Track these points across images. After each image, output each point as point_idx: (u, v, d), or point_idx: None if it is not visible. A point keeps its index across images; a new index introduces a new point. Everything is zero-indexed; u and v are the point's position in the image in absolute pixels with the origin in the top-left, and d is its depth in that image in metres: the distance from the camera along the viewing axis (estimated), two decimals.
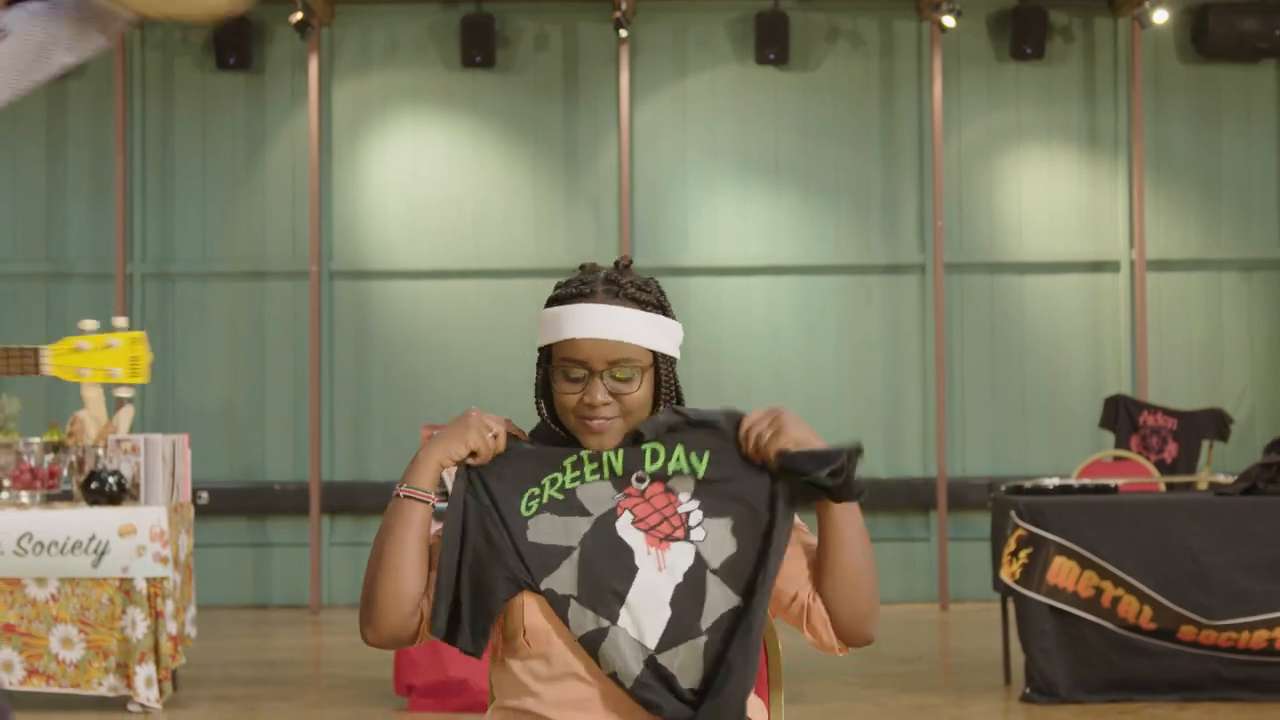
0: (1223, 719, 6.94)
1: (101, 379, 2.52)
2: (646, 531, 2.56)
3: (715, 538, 2.57)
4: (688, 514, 2.57)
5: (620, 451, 2.61)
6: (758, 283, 11.89)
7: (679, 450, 2.62)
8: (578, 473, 2.59)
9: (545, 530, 2.57)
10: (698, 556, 2.55)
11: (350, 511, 11.76)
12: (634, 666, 2.51)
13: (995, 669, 8.07)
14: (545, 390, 2.72)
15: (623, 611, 2.51)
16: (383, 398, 11.93)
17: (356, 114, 12.09)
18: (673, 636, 2.51)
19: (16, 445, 7.70)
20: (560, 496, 2.59)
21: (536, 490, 2.60)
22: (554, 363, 2.65)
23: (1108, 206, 11.99)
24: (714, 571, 2.54)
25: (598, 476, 2.59)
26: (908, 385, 11.88)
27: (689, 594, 2.52)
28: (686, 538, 2.55)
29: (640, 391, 2.63)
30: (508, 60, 12.03)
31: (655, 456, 2.62)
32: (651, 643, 2.51)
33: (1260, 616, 7.19)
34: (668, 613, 2.51)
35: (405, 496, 2.67)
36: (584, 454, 2.61)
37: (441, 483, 2.76)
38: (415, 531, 2.66)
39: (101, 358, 2.55)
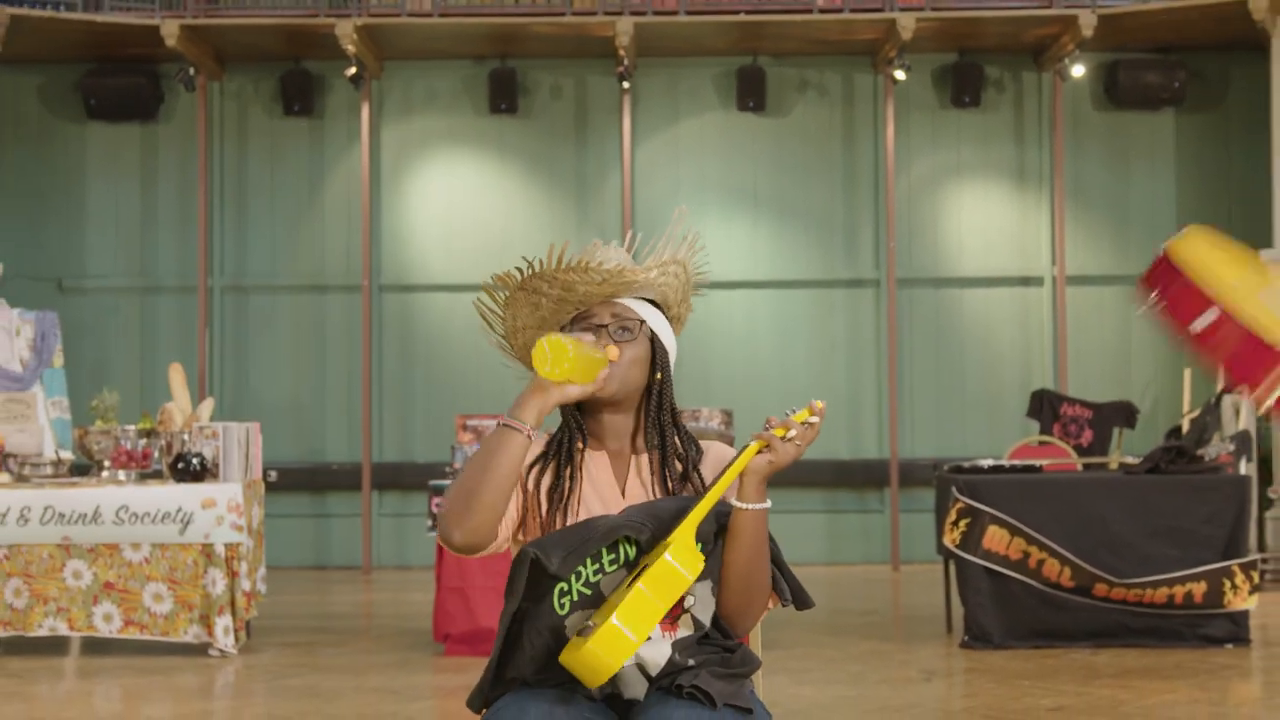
0: (1129, 662, 6.95)
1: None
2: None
3: (703, 602, 2.51)
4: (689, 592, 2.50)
5: (635, 543, 2.50)
6: (739, 295, 11.89)
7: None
8: (597, 565, 2.47)
9: (575, 624, 2.46)
10: (694, 622, 2.50)
11: (396, 487, 11.75)
12: (639, 691, 2.47)
13: (939, 620, 8.08)
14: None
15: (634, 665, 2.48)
16: (424, 391, 11.93)
17: (401, 152, 12.09)
18: (670, 670, 2.46)
19: (115, 432, 7.70)
20: (588, 592, 2.46)
21: (566, 587, 2.46)
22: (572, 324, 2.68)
23: (1034, 231, 11.99)
24: (704, 629, 2.50)
25: (615, 565, 2.48)
26: (866, 381, 11.88)
27: (685, 643, 2.48)
28: (682, 608, 2.50)
29: (637, 361, 2.64)
30: (528, 107, 12.03)
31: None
32: (654, 673, 2.46)
33: (1161, 576, 7.20)
34: (668, 656, 2.47)
35: (506, 425, 2.53)
36: (603, 547, 2.48)
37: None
38: (512, 456, 2.51)
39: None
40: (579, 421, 2.68)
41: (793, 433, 2.46)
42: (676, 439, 2.68)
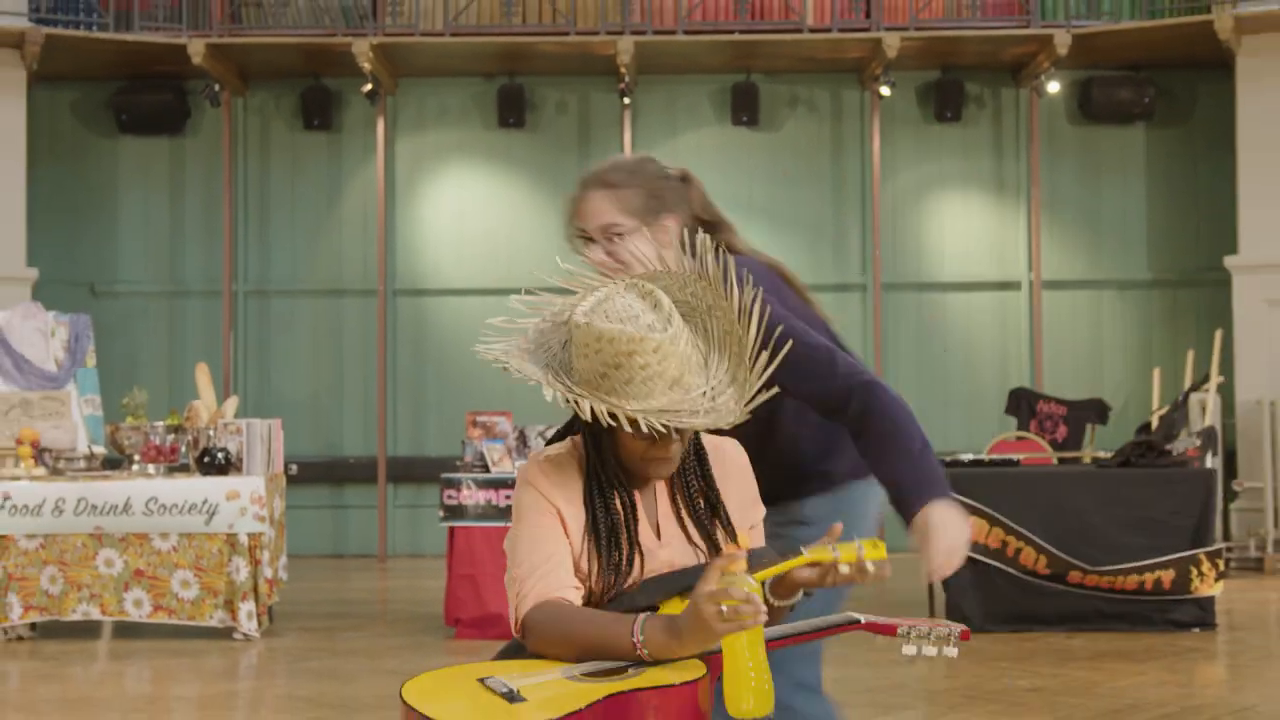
0: (1102, 645, 6.95)
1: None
2: None
3: None
4: None
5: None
6: None
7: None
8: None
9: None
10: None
11: (410, 480, 11.75)
12: None
13: (922, 605, 8.08)
14: (595, 432, 2.35)
15: None
16: (435, 390, 11.93)
17: (414, 164, 12.09)
18: None
19: (145, 428, 7.71)
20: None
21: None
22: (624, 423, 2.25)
23: (1011, 238, 12.00)
24: None
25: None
26: None
27: None
28: None
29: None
30: (534, 121, 12.03)
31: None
32: None
33: (1132, 564, 7.21)
34: None
35: (633, 639, 2.18)
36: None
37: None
38: (611, 654, 2.21)
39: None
40: (618, 473, 2.36)
41: (845, 570, 2.23)
42: (700, 478, 2.42)
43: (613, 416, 2.20)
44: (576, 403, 2.25)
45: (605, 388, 2.25)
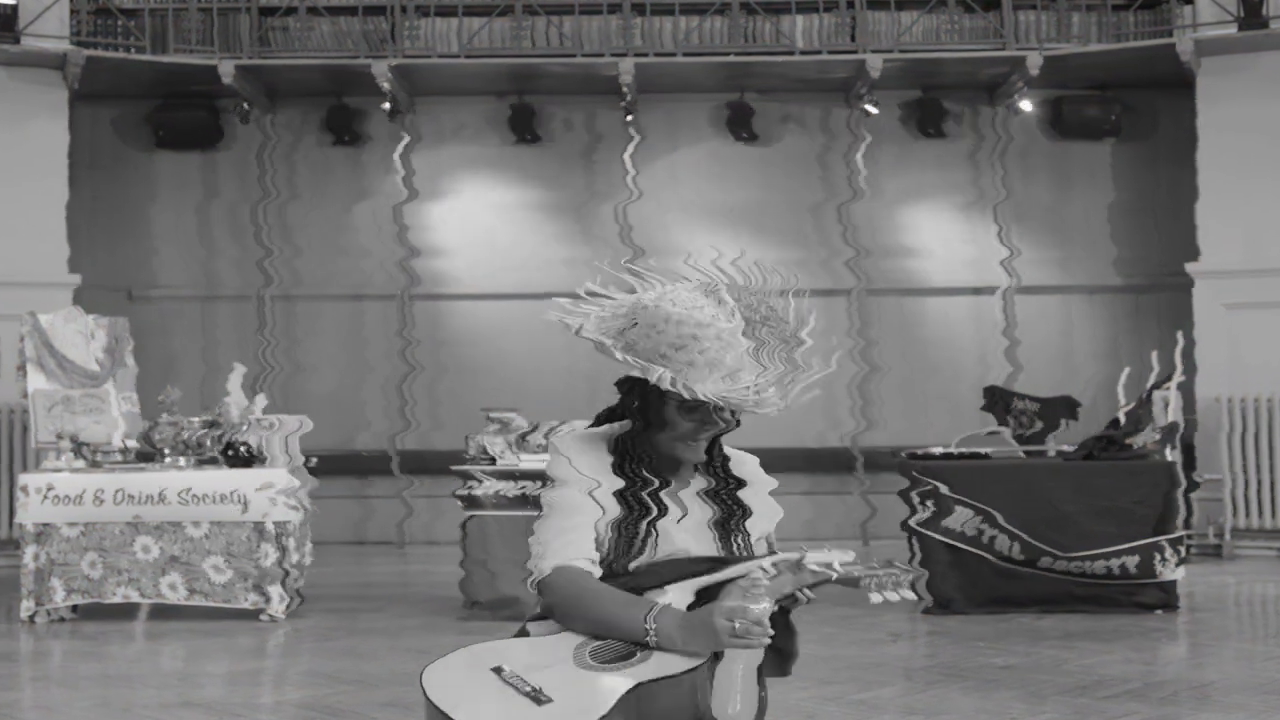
0: (1072, 625, 6.95)
1: None
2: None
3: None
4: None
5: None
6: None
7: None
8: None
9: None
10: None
11: (427, 472, 11.72)
12: None
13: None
14: (644, 409, 2.37)
15: None
16: (451, 388, 11.92)
17: (432, 177, 12.09)
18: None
19: (180, 423, 7.71)
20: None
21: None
22: (676, 403, 2.32)
23: (987, 246, 11.98)
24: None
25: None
26: (839, 379, 11.86)
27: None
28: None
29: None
30: (544, 137, 12.02)
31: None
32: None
33: (1100, 550, 7.21)
34: None
35: (645, 625, 2.22)
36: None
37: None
38: (621, 633, 2.25)
39: None
40: (652, 455, 2.40)
41: (769, 572, 2.25)
42: (727, 475, 2.47)
43: (675, 386, 2.23)
44: (646, 369, 2.26)
45: (670, 366, 2.27)
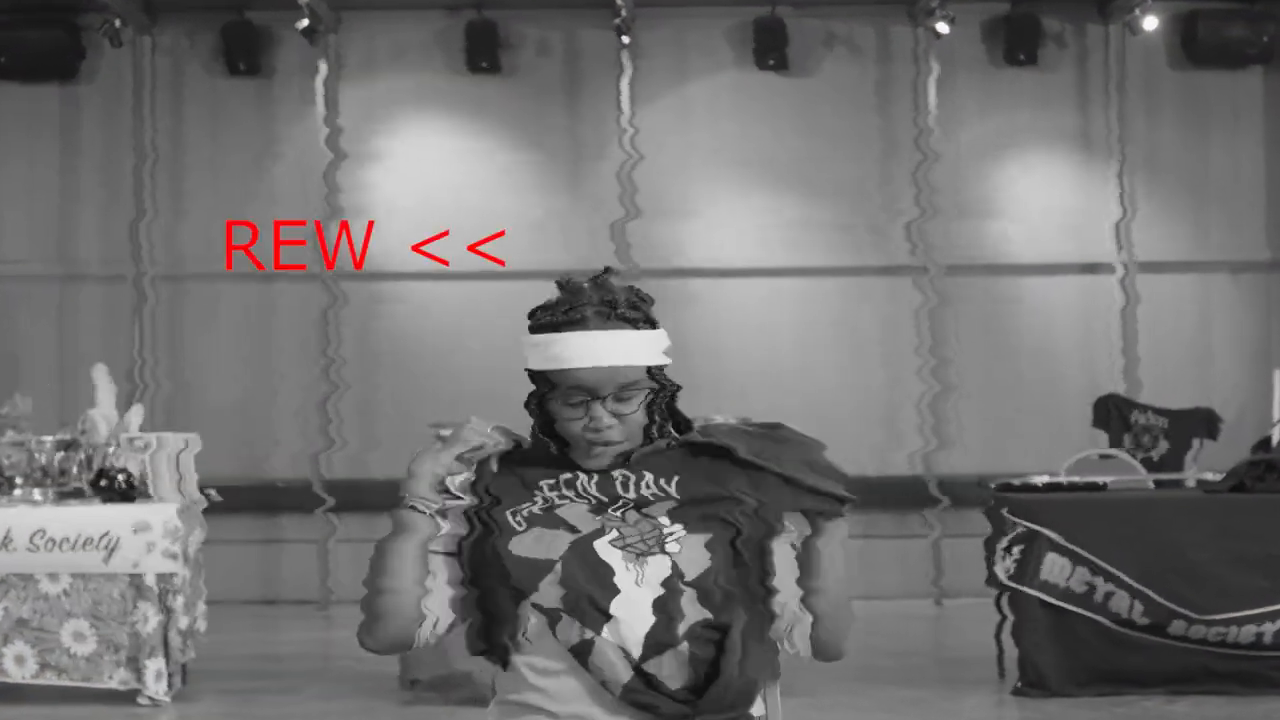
0: (1211, 711, 6.94)
1: None
2: (623, 548, 2.53)
3: (690, 554, 2.53)
4: (667, 532, 2.54)
5: (594, 478, 2.59)
6: (756, 285, 11.87)
7: (648, 477, 2.60)
8: (554, 494, 2.59)
9: (528, 544, 2.54)
10: (673, 568, 2.52)
11: (358, 508, 11.71)
12: (622, 674, 2.49)
13: (989, 663, 8.04)
14: (538, 406, 2.70)
15: (606, 626, 2.50)
16: (390, 395, 11.91)
17: (363, 118, 12.08)
18: (655, 646, 2.50)
19: (29, 444, 7.69)
20: (541, 514, 2.56)
21: (520, 507, 2.58)
22: (555, 388, 2.62)
23: (1100, 210, 11.98)
24: (687, 584, 2.52)
25: (570, 500, 2.59)
26: (904, 385, 11.85)
27: (666, 605, 2.50)
28: (662, 550, 2.53)
29: (640, 410, 2.60)
30: (511, 64, 12.01)
31: (625, 484, 2.60)
32: (636, 652, 2.49)
33: (1247, 612, 7.20)
34: (649, 624, 2.50)
35: (405, 507, 2.72)
36: (561, 478, 2.60)
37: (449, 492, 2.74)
38: (414, 540, 2.70)
39: None
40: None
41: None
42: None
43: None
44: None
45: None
